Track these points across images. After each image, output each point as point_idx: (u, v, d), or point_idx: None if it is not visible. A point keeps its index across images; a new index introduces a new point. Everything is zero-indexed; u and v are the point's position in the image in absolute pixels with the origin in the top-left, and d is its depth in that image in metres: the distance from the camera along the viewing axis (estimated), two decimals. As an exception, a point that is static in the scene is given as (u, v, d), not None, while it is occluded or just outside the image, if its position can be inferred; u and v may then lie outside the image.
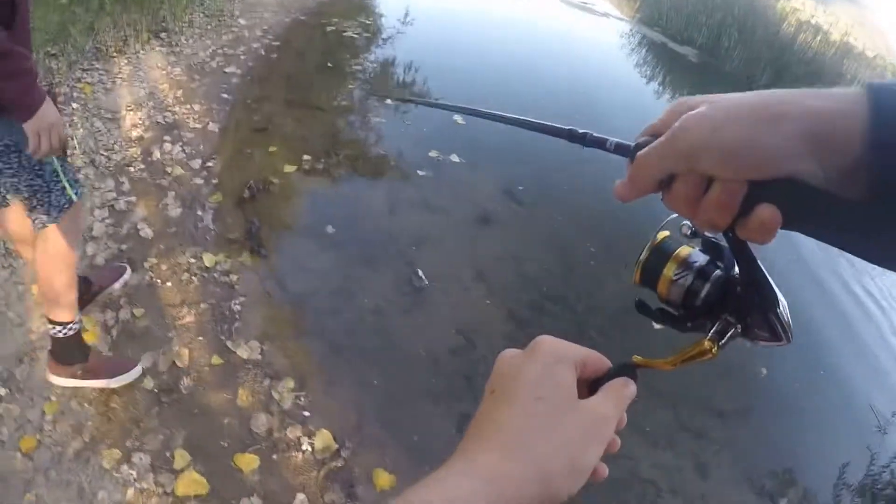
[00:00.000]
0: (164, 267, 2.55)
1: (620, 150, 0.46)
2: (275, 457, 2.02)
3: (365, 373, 2.39)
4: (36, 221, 1.62)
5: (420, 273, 2.87)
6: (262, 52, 4.53)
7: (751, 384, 2.91)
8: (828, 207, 0.36)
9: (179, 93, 3.65)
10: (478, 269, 3.03)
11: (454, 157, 3.71)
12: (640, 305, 0.49)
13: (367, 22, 6.05)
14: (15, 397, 2.00)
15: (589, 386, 0.43)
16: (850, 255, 0.40)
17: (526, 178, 3.73)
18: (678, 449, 2.44)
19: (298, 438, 2.08)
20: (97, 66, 3.53)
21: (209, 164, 3.15)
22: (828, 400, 2.98)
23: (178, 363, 2.21)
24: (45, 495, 1.75)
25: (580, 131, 0.51)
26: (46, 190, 1.56)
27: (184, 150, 3.20)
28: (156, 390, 2.11)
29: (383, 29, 6.02)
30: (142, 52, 3.91)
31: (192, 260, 2.61)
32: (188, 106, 3.56)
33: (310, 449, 2.05)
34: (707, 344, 0.43)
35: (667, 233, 0.48)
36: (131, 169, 2.99)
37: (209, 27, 4.61)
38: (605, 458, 0.41)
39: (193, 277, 2.54)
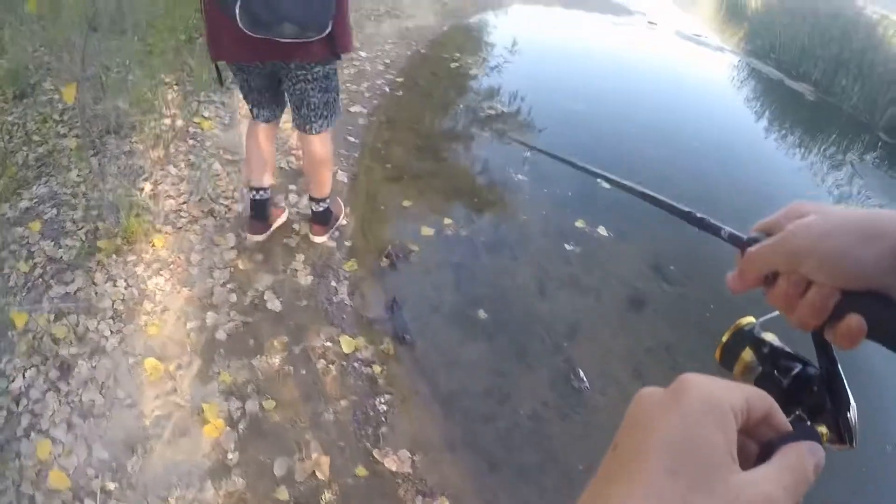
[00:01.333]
0: (296, 350, 2.49)
1: (733, 240, 0.54)
2: None
3: (524, 494, 2.27)
4: (321, 125, 2.59)
5: (581, 374, 2.73)
6: (387, 90, 4.59)
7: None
8: None
9: (303, 136, 3.73)
10: (634, 365, 2.86)
11: (601, 230, 3.61)
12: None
13: (490, 60, 6.23)
14: (125, 494, 1.93)
15: (761, 447, 0.36)
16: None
17: (674, 254, 3.64)
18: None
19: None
20: (215, 98, 3.65)
21: (341, 221, 3.14)
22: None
23: (318, 473, 2.11)
24: None
25: (698, 215, 0.59)
26: (335, 104, 2.57)
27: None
28: (292, 503, 2.02)
29: (504, 68, 6.12)
30: (262, 84, 4.02)
31: (328, 344, 2.54)
32: (314, 150, 3.62)
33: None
34: None
35: (752, 318, 0.56)
36: (254, 223, 3.02)
37: (332, 59, 4.75)
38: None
39: (331, 366, 2.46)
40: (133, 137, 3.26)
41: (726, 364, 0.56)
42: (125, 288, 2.53)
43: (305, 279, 2.79)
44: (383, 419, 2.35)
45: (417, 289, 2.95)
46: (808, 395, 0.49)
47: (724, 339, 0.56)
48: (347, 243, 3.06)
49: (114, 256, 2.63)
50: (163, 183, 3.05)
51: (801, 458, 0.34)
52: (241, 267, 2.76)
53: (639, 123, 5.54)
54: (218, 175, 3.20)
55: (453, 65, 5.71)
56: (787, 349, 0.53)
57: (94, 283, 2.52)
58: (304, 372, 2.42)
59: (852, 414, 0.47)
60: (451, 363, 2.65)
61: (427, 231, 3.29)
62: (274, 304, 2.64)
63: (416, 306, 2.85)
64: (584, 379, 2.72)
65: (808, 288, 0.47)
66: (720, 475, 0.31)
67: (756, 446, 0.36)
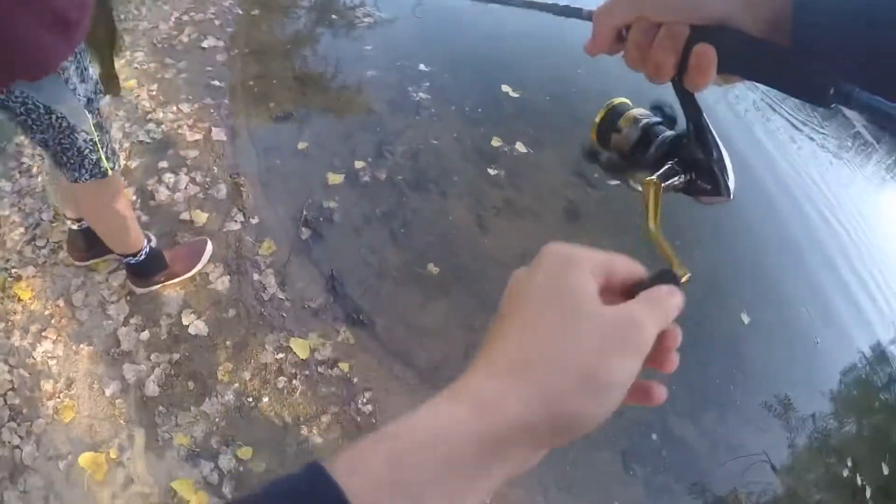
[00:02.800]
0: (246, 375, 2.03)
1: (590, 15, 0.53)
2: None
3: None
4: (66, 173, 1.64)
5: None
6: (239, 11, 3.57)
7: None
8: (757, 51, 0.44)
9: (154, 89, 2.83)
10: None
11: (520, 146, 3.21)
12: (589, 154, 0.58)
13: None
14: None
15: (624, 296, 0.39)
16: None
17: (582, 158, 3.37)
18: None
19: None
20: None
21: (239, 195, 2.52)
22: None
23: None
24: None
25: (561, 4, 0.61)
26: (79, 156, 1.59)
27: (194, 180, 2.51)
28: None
29: None
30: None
31: (280, 355, 2.09)
32: (173, 108, 2.76)
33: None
34: (650, 180, 0.49)
35: (624, 99, 0.56)
36: (133, 226, 2.34)
37: (160, -12, 3.60)
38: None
39: (294, 381, 2.05)
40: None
41: (602, 142, 0.55)
42: (9, 372, 1.91)
43: (222, 282, 2.24)
44: (374, 420, 2.04)
45: (353, 255, 2.47)
46: (680, 150, 0.50)
47: (598, 119, 0.55)
48: (254, 220, 2.46)
49: (-25, 335, 1.95)
50: (-2, 208, 2.26)
51: (661, 296, 0.38)
52: (138, 291, 2.15)
53: None
54: (64, 175, 2.42)
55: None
56: (657, 119, 0.53)
57: (-32, 379, 1.87)
58: (266, 399, 2.00)
59: (725, 162, 0.49)
60: (419, 333, 2.32)
61: (340, 180, 2.73)
62: (198, 328, 2.11)
63: (359, 277, 2.41)
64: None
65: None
66: (587, 307, 0.35)
67: (620, 299, 0.38)
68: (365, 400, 2.06)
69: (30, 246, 2.22)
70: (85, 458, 1.77)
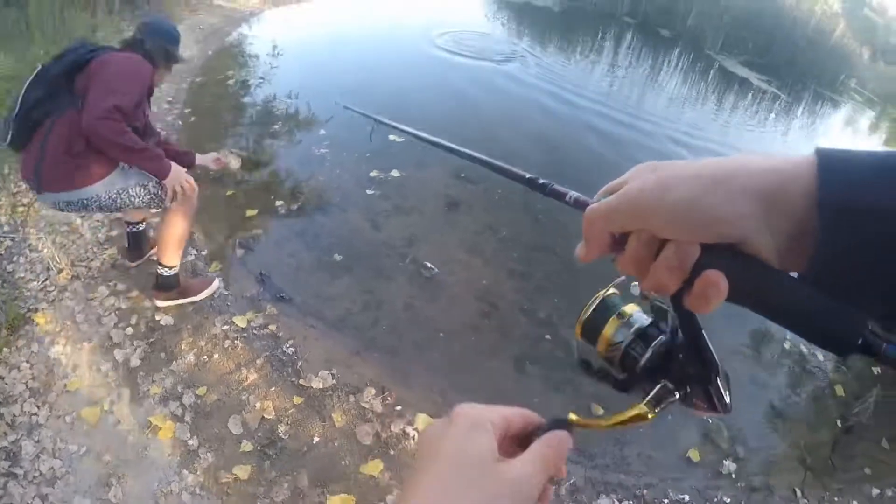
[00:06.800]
0: (202, 343, 2.50)
1: (579, 204, 0.45)
2: (392, 452, 2.15)
3: (427, 357, 2.57)
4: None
5: (429, 265, 3.02)
6: (181, 123, 4.35)
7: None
8: (772, 283, 0.34)
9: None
10: (468, 247, 3.26)
11: (394, 173, 3.84)
12: (583, 364, 0.49)
13: (259, 68, 5.89)
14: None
15: (520, 442, 0.41)
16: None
17: (465, 164, 3.90)
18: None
19: (403, 429, 2.23)
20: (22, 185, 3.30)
21: (192, 237, 3.07)
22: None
23: (267, 416, 2.21)
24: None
25: (541, 181, 0.52)
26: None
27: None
28: (258, 448, 2.11)
29: (277, 69, 5.86)
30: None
31: (226, 327, 2.57)
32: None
33: (416, 433, 2.22)
34: (643, 409, 0.42)
35: (614, 290, 0.48)
36: (115, 271, 2.86)
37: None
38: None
39: (236, 342, 2.51)
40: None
41: (589, 339, 0.47)
42: (30, 368, 2.36)
43: (183, 291, 2.74)
44: (296, 357, 2.48)
45: (276, 260, 3.02)
46: (673, 366, 0.43)
47: (585, 315, 0.47)
48: (204, 252, 3.01)
49: (5, 350, 2.41)
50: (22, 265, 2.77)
51: (548, 443, 0.39)
52: (123, 307, 2.64)
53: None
54: (64, 245, 2.95)
55: (230, 82, 5.40)
56: (649, 320, 0.45)
57: (0, 378, 2.31)
58: (216, 356, 2.45)
59: (722, 381, 0.41)
60: (328, 299, 2.81)
61: (263, 215, 3.33)
62: (167, 321, 2.59)
63: (282, 271, 2.94)
64: (433, 267, 3.02)
65: (662, 247, 0.36)
66: (488, 466, 0.36)
67: (517, 445, 0.41)
68: (288, 346, 2.52)
69: (41, 292, 2.72)
70: (85, 412, 2.19)
